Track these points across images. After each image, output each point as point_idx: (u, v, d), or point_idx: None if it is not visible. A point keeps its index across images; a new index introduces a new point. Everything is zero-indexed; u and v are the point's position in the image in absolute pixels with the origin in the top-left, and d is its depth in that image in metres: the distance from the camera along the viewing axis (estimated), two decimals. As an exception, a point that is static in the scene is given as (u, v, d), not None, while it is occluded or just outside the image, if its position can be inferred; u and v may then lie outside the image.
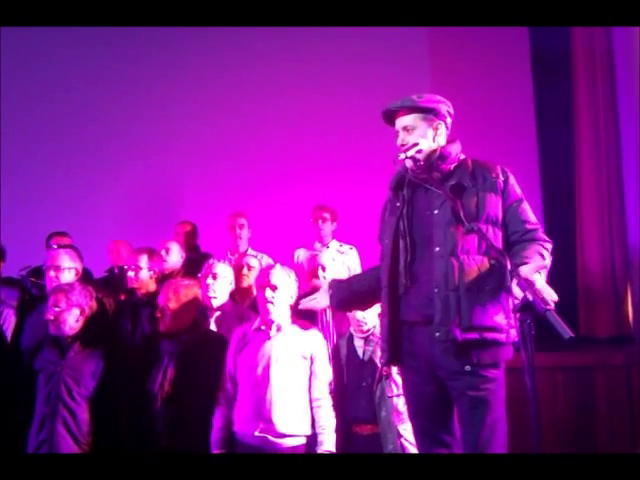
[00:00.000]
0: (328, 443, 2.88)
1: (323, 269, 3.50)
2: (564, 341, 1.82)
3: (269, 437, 2.83)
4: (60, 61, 5.31)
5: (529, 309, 1.87)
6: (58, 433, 2.76)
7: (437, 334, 2.55)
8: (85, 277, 3.51)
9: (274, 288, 2.94)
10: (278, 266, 3.07)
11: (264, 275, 3.02)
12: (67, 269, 3.30)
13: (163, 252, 3.85)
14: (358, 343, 3.02)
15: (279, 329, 2.96)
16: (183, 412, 2.89)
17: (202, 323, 3.19)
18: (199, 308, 3.17)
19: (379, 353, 2.84)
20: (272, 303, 2.92)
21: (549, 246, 2.44)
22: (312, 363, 2.98)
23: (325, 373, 2.99)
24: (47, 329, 2.91)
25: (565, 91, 4.94)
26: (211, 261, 3.55)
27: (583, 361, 4.18)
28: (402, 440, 2.89)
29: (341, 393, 3.03)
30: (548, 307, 1.87)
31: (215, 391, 2.95)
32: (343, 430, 2.98)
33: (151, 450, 2.84)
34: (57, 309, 2.88)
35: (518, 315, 1.92)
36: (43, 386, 2.83)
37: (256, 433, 2.84)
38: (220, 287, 3.33)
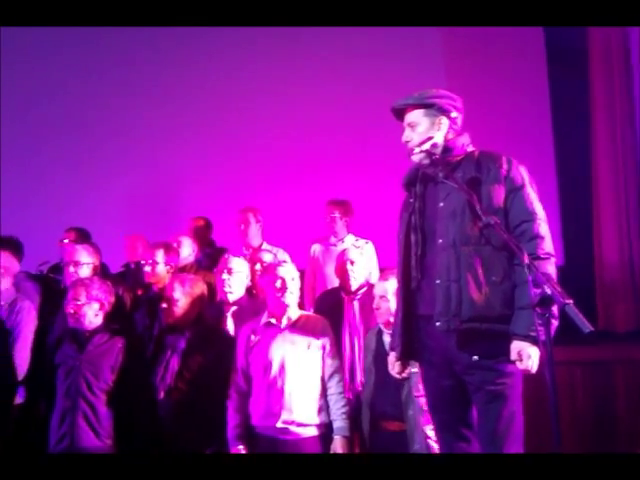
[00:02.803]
0: (344, 429, 2.94)
1: (352, 263, 3.52)
2: (584, 335, 1.81)
3: (291, 428, 2.88)
4: (58, 60, 5.33)
5: (548, 303, 1.86)
6: (79, 427, 2.80)
7: (437, 324, 2.56)
8: (103, 272, 3.55)
9: (283, 283, 2.99)
10: (285, 263, 3.13)
11: (271, 271, 3.08)
12: (86, 264, 3.34)
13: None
14: (387, 338, 3.01)
15: (289, 321, 3.01)
16: (184, 407, 2.93)
17: (207, 318, 3.20)
18: (204, 303, 3.19)
19: None
20: (282, 297, 2.98)
21: (542, 243, 2.42)
22: (323, 352, 3.01)
23: (335, 361, 3.04)
24: (66, 323, 2.95)
25: (581, 87, 4.93)
26: (226, 256, 3.56)
27: (601, 356, 4.19)
28: (429, 441, 2.90)
29: (369, 387, 3.04)
30: (567, 301, 1.86)
31: (219, 386, 2.99)
32: (370, 424, 3.00)
33: (159, 445, 2.89)
34: (77, 303, 2.91)
35: (537, 309, 1.91)
36: (63, 380, 2.86)
37: (278, 424, 2.87)
38: (236, 282, 3.36)
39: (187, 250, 3.89)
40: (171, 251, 3.59)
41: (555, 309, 2.09)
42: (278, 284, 3.00)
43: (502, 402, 2.47)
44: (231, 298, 3.33)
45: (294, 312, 3.04)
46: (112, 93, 5.31)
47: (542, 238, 2.48)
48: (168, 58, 5.37)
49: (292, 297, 3.02)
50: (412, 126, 2.58)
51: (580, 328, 1.80)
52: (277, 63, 5.36)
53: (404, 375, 2.75)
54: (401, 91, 2.59)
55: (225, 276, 3.33)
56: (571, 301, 1.88)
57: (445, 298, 2.53)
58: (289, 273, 3.06)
